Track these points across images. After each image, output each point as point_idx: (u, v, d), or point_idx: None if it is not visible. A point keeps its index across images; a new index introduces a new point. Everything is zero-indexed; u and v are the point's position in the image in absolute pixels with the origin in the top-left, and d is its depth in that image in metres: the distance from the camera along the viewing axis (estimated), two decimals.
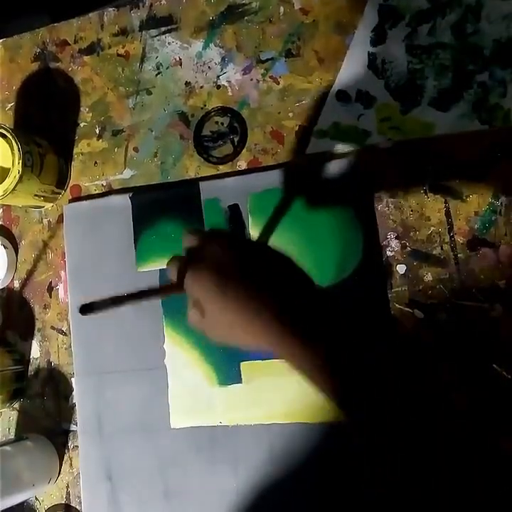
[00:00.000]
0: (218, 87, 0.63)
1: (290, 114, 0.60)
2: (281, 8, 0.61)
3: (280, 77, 0.60)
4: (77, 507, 0.63)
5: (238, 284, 0.38)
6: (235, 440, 0.57)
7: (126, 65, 0.66)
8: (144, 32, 0.66)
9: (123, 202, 0.63)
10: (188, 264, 0.41)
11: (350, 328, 0.35)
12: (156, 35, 0.65)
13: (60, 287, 0.66)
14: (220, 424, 0.58)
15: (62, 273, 0.66)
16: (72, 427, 0.64)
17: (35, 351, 0.66)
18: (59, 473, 0.64)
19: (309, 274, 0.39)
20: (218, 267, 0.39)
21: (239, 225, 0.59)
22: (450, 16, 0.55)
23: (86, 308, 0.40)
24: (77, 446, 0.63)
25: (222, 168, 0.62)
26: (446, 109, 0.54)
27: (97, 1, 0.71)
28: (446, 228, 0.54)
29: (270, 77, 0.61)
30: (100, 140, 0.67)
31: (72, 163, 0.68)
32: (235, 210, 0.59)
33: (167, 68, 0.65)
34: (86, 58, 0.68)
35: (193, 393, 0.59)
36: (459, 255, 0.53)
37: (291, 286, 0.38)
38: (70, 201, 0.67)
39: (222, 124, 0.62)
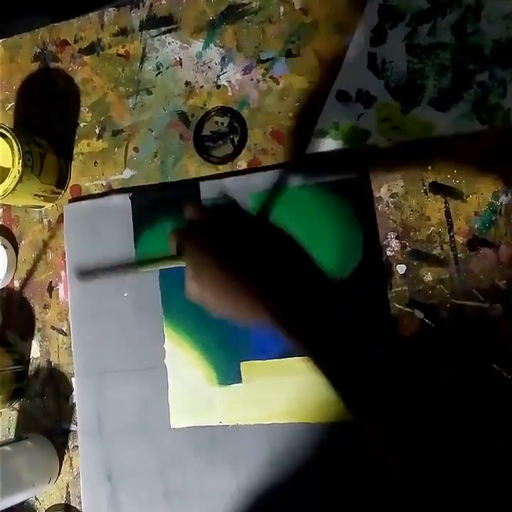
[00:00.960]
0: (218, 87, 0.63)
1: (290, 114, 0.60)
2: (281, 8, 0.61)
3: (280, 77, 0.60)
4: (77, 507, 0.63)
5: (236, 260, 0.38)
6: (235, 440, 0.57)
7: (126, 65, 0.66)
8: (144, 32, 0.66)
9: (123, 202, 0.63)
10: (188, 236, 0.41)
11: (350, 328, 0.35)
12: (156, 35, 0.65)
13: (60, 287, 0.66)
14: (220, 424, 0.58)
15: (62, 273, 0.66)
16: (72, 427, 0.64)
17: (35, 351, 0.66)
18: (59, 473, 0.64)
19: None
20: (218, 240, 0.39)
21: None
22: (450, 15, 0.55)
23: (84, 274, 0.40)
24: (77, 446, 0.63)
25: (222, 168, 0.62)
26: (446, 109, 0.54)
27: (97, 1, 0.71)
28: (446, 228, 0.54)
29: (270, 77, 0.61)
30: (100, 140, 0.67)
31: (72, 163, 0.68)
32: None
33: (167, 68, 0.65)
34: (86, 58, 0.68)
35: (193, 393, 0.59)
36: (459, 255, 0.53)
37: (289, 266, 0.38)
38: (70, 201, 0.67)
39: (222, 124, 0.62)
